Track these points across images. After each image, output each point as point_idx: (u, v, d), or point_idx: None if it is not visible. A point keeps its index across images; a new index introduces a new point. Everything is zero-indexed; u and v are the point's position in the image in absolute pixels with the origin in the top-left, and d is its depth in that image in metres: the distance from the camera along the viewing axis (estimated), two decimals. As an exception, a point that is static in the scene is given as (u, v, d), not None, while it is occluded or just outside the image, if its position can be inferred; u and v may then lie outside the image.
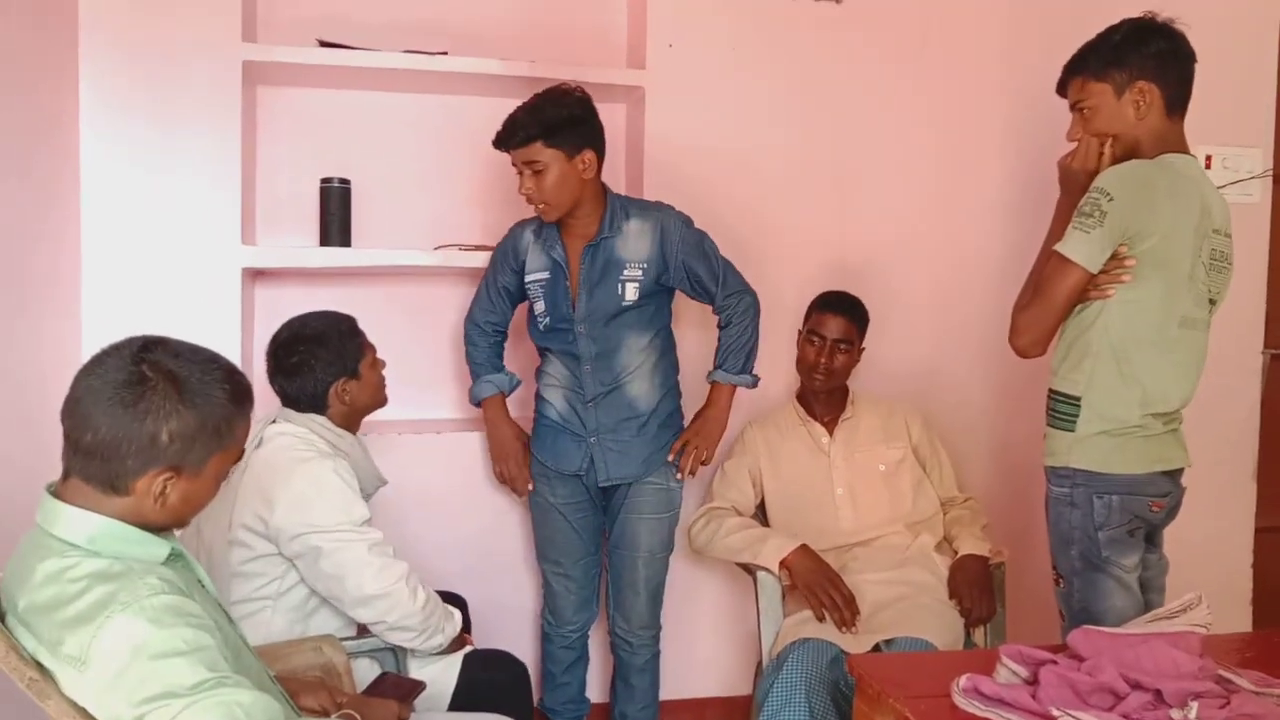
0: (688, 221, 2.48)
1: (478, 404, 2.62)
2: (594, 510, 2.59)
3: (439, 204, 2.95)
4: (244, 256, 2.63)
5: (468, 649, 2.12)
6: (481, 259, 2.67)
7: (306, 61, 2.64)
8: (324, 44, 2.68)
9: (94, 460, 1.29)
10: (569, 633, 2.64)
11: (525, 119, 2.29)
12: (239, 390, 1.38)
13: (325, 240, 2.73)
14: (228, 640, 1.35)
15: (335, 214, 2.72)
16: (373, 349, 2.20)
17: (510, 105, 2.62)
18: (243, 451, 1.42)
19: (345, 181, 2.74)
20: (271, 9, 2.79)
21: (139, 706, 1.19)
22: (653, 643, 2.64)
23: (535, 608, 2.84)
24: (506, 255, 2.52)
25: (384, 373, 2.25)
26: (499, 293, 2.56)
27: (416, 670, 2.04)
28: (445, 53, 2.74)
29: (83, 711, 1.21)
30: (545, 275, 2.46)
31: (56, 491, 1.33)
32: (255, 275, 2.82)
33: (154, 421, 1.28)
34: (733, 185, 2.96)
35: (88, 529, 1.29)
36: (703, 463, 2.55)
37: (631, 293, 2.43)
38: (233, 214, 2.61)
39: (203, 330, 2.57)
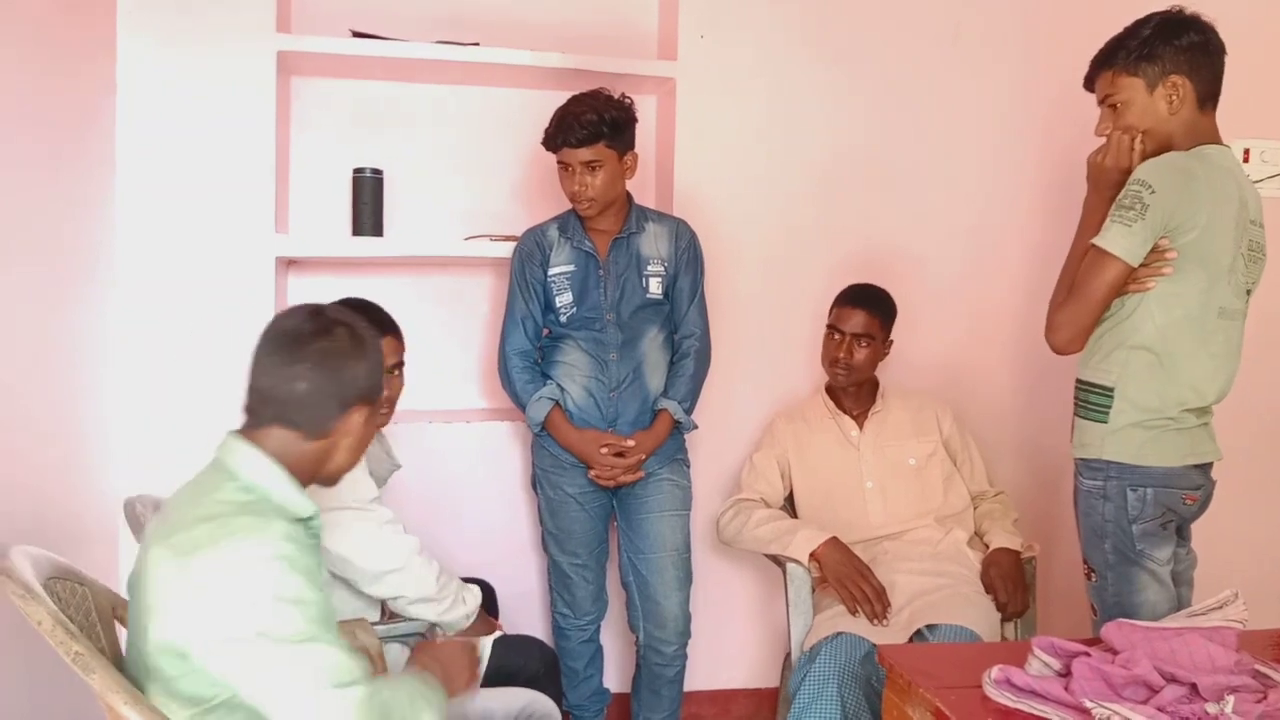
0: (696, 237, 2.61)
1: (540, 424, 2.50)
2: (606, 497, 2.60)
3: (470, 194, 2.96)
4: (277, 245, 2.65)
5: (497, 634, 2.14)
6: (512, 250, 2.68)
7: (340, 52, 2.66)
8: (357, 34, 2.70)
9: (300, 410, 1.40)
10: (587, 624, 2.65)
11: (591, 118, 2.34)
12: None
13: (358, 230, 2.75)
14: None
15: (367, 204, 2.74)
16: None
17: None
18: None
19: (378, 171, 2.76)
20: (305, 0, 2.81)
21: (231, 642, 1.24)
22: (684, 652, 2.63)
23: (561, 597, 2.85)
24: (533, 254, 2.54)
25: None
26: (532, 295, 2.53)
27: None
28: (477, 43, 2.75)
29: (125, 686, 1.23)
30: (571, 268, 2.51)
31: (242, 434, 1.43)
32: (288, 264, 2.85)
33: (347, 366, 1.42)
34: (763, 177, 2.96)
35: (255, 466, 1.38)
36: (622, 477, 2.50)
37: (655, 287, 2.52)
38: (266, 203, 2.63)
39: (236, 318, 2.62)
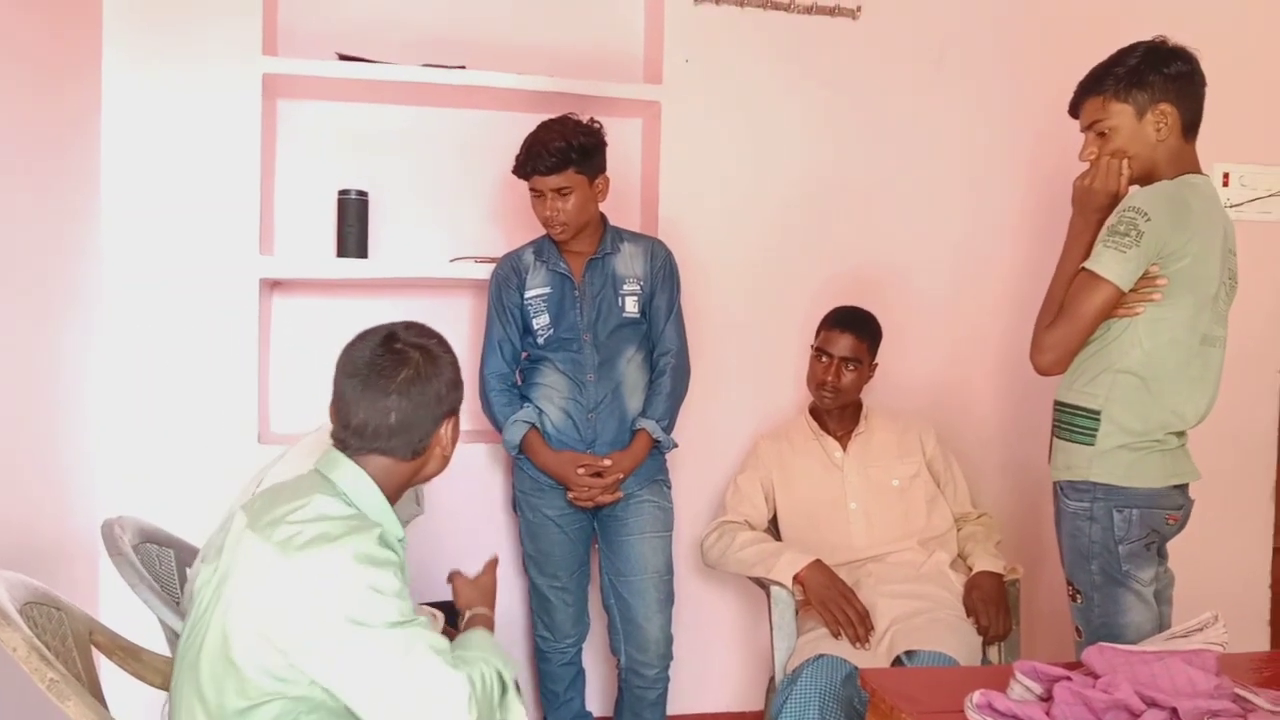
0: (672, 255, 2.62)
1: (516, 447, 2.49)
2: (587, 519, 2.58)
3: (455, 216, 2.96)
4: (262, 267, 2.65)
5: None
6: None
7: (326, 75, 2.67)
8: (343, 57, 2.71)
9: (396, 437, 1.49)
10: (567, 647, 2.64)
11: (560, 145, 2.35)
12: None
13: (342, 251, 2.75)
14: None
15: (352, 225, 2.74)
16: None
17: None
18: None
19: (363, 193, 2.76)
20: (291, 23, 2.82)
21: (329, 628, 1.33)
22: (666, 674, 2.61)
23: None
24: (509, 278, 2.55)
25: None
26: (509, 319, 2.54)
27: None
28: (463, 66, 2.76)
29: (100, 713, 1.22)
30: (547, 290, 2.51)
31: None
32: (273, 285, 2.84)
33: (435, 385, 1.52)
34: (748, 199, 2.97)
35: (357, 486, 1.48)
36: (600, 498, 2.49)
37: (631, 306, 2.53)
38: (251, 225, 2.63)
39: (221, 339, 2.61)
